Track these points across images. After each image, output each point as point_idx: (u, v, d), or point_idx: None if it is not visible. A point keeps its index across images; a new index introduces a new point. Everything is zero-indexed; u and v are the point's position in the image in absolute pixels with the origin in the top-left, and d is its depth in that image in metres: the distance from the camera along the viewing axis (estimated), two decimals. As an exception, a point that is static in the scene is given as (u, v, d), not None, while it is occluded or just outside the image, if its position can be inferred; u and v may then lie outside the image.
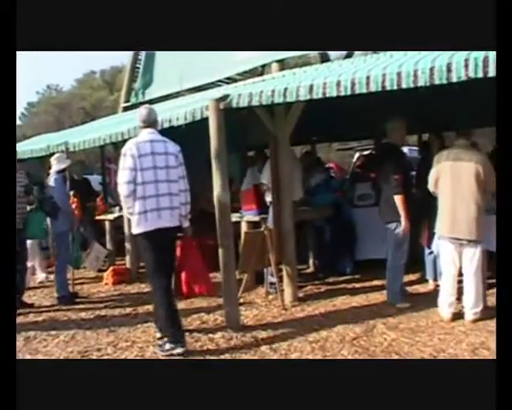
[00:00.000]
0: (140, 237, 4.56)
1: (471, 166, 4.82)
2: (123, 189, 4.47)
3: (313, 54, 8.10)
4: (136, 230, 4.54)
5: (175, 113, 5.64)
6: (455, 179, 4.90)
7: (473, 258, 4.91)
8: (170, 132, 5.48)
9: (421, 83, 4.13)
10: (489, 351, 4.20)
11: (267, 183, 6.27)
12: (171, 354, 4.44)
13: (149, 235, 4.47)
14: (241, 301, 5.83)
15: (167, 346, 4.50)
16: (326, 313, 5.43)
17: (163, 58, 10.15)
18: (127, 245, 7.96)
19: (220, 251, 5.08)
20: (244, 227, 6.59)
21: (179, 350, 4.45)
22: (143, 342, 4.88)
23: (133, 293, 7.03)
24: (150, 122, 4.69)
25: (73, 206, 8.26)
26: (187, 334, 5.00)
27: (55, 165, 6.77)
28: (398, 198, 5.38)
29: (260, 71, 8.85)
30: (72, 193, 7.58)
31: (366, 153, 12.07)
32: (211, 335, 4.96)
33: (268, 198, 6.31)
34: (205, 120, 5.16)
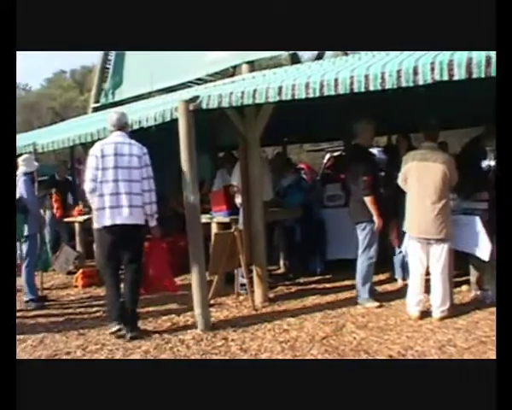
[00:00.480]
0: (97, 232, 5.06)
1: (437, 167, 4.92)
2: (86, 186, 4.93)
3: (284, 55, 8.11)
4: (95, 225, 5.01)
5: (145, 114, 5.61)
6: (421, 180, 4.99)
7: (440, 257, 5.00)
8: (142, 133, 5.48)
9: (388, 85, 4.19)
10: (456, 348, 4.29)
11: (237, 184, 6.28)
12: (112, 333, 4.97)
13: (106, 230, 4.89)
14: (212, 302, 5.83)
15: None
16: (296, 313, 5.45)
17: (133, 58, 10.10)
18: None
19: (190, 252, 5.07)
20: (214, 228, 6.59)
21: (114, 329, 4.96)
22: (113, 345, 4.85)
23: (103, 296, 6.93)
24: (120, 126, 5.05)
25: (55, 206, 8.18)
26: (157, 335, 5.02)
27: (23, 166, 6.66)
28: (368, 200, 5.46)
29: (231, 72, 8.86)
30: (54, 193, 7.48)
31: (336, 154, 12.18)
32: (181, 336, 4.96)
33: (238, 199, 6.32)
34: (175, 122, 5.15)
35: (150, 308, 5.91)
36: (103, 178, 4.82)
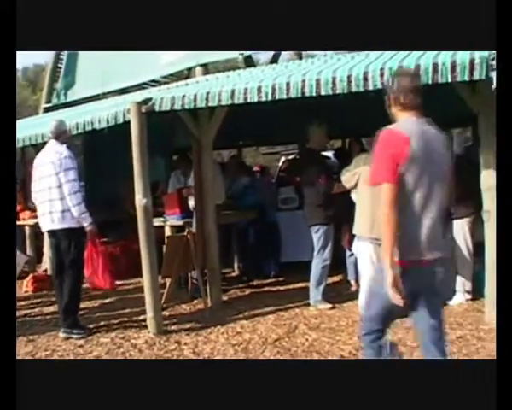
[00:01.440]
0: None
1: None
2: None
3: (240, 58, 8.12)
4: None
5: (97, 115, 5.54)
6: None
7: None
8: (96, 134, 5.42)
9: (339, 90, 4.27)
10: (405, 347, 4.36)
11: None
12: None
13: (47, 236, 5.34)
14: (165, 305, 5.78)
15: None
16: (249, 315, 5.47)
17: (86, 58, 9.93)
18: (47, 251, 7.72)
19: (142, 256, 5.02)
20: (168, 231, 6.55)
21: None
22: (63, 351, 4.78)
23: (54, 301, 6.81)
24: (56, 134, 5.21)
25: (18, 207, 7.97)
26: (108, 340, 4.95)
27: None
28: (335, 190, 5.53)
29: (186, 74, 8.84)
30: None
31: (290, 157, 12.25)
32: (133, 341, 4.91)
33: (192, 202, 6.30)
34: (128, 123, 5.10)
35: (102, 313, 5.82)
36: (36, 189, 5.25)
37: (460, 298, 5.51)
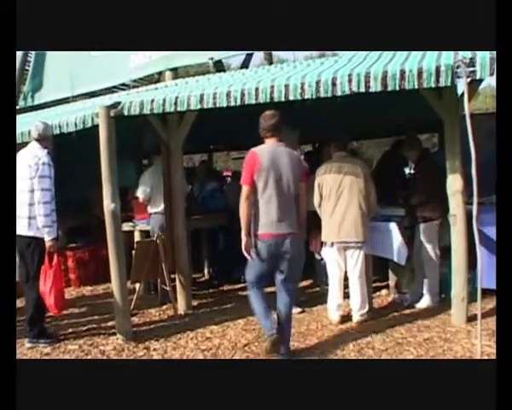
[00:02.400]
0: None
1: (351, 174, 5.09)
2: None
3: (210, 63, 8.11)
4: None
5: (65, 119, 5.47)
6: (337, 188, 5.13)
7: (357, 262, 5.16)
8: (65, 138, 5.35)
9: (308, 96, 4.31)
10: (374, 350, 4.42)
11: (144, 191, 6.32)
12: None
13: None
14: (134, 311, 5.74)
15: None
16: (219, 320, 5.45)
17: (54, 60, 9.80)
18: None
19: (110, 261, 4.97)
20: (137, 236, 6.50)
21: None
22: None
23: (21, 307, 6.69)
24: (40, 137, 5.02)
25: None
26: (76, 347, 4.88)
27: None
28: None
29: (156, 78, 8.80)
30: None
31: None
32: (102, 347, 4.85)
33: (149, 207, 6.36)
34: (97, 127, 5.04)
35: (70, 320, 5.73)
36: (18, 189, 4.87)
37: (427, 301, 5.58)
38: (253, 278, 4.39)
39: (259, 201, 4.21)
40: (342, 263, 5.25)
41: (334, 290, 5.29)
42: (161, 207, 6.12)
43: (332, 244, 5.25)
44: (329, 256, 5.33)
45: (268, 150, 4.23)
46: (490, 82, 28.80)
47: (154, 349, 4.73)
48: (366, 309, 5.20)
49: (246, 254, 4.26)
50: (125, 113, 5.05)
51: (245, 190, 4.20)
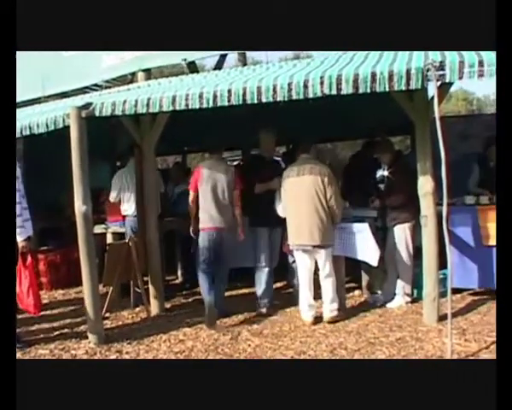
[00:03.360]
0: None
1: (311, 177, 5.15)
2: None
3: (184, 64, 8.07)
4: None
5: (35, 120, 5.39)
6: (297, 192, 5.19)
7: (325, 263, 5.20)
8: (36, 139, 5.27)
9: (280, 98, 4.32)
10: (346, 350, 4.44)
11: (117, 193, 6.30)
12: None
13: None
14: (107, 314, 5.68)
15: None
16: (192, 323, 5.42)
17: (25, 60, 9.62)
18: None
19: (82, 264, 4.90)
20: (109, 239, 6.44)
21: None
22: None
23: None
24: None
25: None
26: (47, 352, 4.81)
27: None
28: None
29: (130, 79, 8.72)
30: None
31: (235, 163, 12.27)
32: (73, 352, 4.78)
33: (123, 209, 6.32)
34: (69, 128, 4.98)
35: (42, 324, 5.64)
36: None
37: (400, 301, 5.64)
38: (200, 262, 5.55)
39: (203, 202, 5.48)
40: (310, 264, 5.28)
41: (303, 291, 5.33)
42: (133, 209, 6.07)
43: (294, 246, 5.31)
44: (298, 258, 5.38)
45: (208, 165, 5.60)
46: (462, 85, 29.50)
47: (127, 352, 4.68)
48: (336, 306, 5.23)
49: (193, 236, 5.68)
50: (97, 114, 4.99)
51: (191, 195, 5.57)
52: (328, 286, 5.22)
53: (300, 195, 5.16)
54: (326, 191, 5.12)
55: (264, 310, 5.64)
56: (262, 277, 5.70)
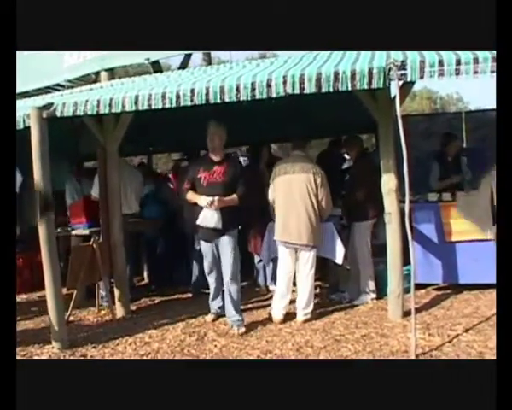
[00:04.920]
0: None
1: (303, 176, 5.14)
2: None
3: (147, 64, 8.00)
4: None
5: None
6: (288, 189, 5.19)
7: (307, 262, 5.20)
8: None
9: (243, 97, 4.31)
10: (312, 349, 4.45)
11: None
12: None
13: None
14: (71, 318, 5.59)
15: None
16: (158, 324, 5.37)
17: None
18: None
19: (44, 267, 4.80)
20: (73, 241, 6.34)
21: None
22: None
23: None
24: None
25: None
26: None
27: None
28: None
29: (94, 78, 8.59)
30: None
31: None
32: (36, 357, 4.68)
33: None
34: (29, 129, 4.88)
35: None
36: None
37: (365, 298, 5.70)
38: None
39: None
40: (291, 262, 5.27)
41: (282, 288, 5.28)
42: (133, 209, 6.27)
43: (279, 243, 5.30)
44: (280, 254, 5.35)
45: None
46: (426, 84, 29.96)
47: (92, 356, 4.61)
48: (311, 309, 5.24)
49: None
50: (58, 114, 4.89)
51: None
52: (305, 287, 5.22)
53: (291, 192, 5.15)
54: (318, 192, 5.13)
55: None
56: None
